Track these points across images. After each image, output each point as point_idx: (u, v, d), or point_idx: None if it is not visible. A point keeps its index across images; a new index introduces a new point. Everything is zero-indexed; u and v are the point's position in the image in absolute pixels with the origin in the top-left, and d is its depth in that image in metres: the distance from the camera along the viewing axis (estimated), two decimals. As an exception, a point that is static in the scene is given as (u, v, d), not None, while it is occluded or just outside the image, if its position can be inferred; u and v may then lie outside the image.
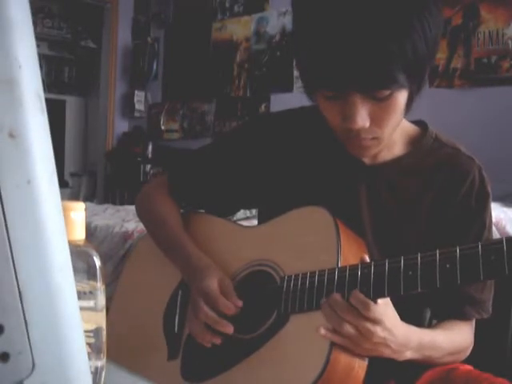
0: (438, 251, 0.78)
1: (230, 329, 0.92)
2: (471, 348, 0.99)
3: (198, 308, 0.95)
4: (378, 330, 0.79)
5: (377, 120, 0.85)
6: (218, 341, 0.93)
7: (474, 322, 0.99)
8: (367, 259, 0.85)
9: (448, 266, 0.76)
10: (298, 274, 0.90)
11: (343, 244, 0.89)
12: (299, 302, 0.88)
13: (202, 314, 0.94)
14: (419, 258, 0.79)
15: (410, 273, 0.79)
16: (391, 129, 0.89)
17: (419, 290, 0.78)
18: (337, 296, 0.82)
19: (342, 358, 0.82)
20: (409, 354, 0.85)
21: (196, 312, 0.95)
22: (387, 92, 0.82)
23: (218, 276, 0.97)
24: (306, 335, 0.87)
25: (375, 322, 0.79)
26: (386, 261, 0.82)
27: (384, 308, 0.81)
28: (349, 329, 0.80)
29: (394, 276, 0.80)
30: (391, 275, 0.80)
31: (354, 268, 0.84)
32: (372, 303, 0.79)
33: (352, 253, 0.89)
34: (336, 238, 0.89)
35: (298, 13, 0.89)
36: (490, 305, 0.99)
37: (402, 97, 0.85)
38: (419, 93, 0.89)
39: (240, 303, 0.94)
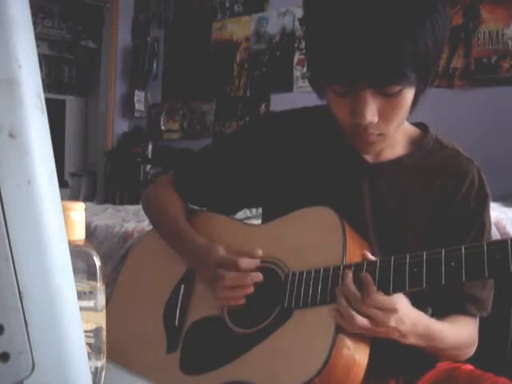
0: (443, 250, 0.80)
1: (260, 277, 0.93)
2: (475, 347, 1.00)
3: (221, 276, 0.94)
4: (392, 320, 0.81)
5: (384, 116, 0.87)
6: (250, 290, 0.94)
7: (477, 320, 1.00)
8: (368, 255, 0.86)
9: (453, 263, 0.78)
10: (303, 271, 0.91)
11: (349, 244, 0.89)
12: (303, 297, 0.89)
13: (230, 278, 0.93)
14: (424, 256, 0.81)
15: (416, 270, 0.81)
16: (396, 126, 0.92)
17: (424, 286, 0.80)
18: (349, 283, 0.84)
19: (344, 354, 0.83)
20: (414, 340, 0.86)
21: (220, 281, 0.94)
22: (397, 88, 0.84)
23: (222, 247, 0.99)
24: (308, 330, 0.87)
25: (388, 311, 0.81)
26: (392, 258, 0.83)
27: (397, 298, 0.82)
28: (363, 321, 0.81)
29: (400, 273, 0.82)
30: (396, 272, 0.82)
31: (359, 265, 0.85)
32: (381, 293, 0.81)
33: (357, 253, 0.89)
34: (342, 239, 0.90)
35: (313, 7, 0.90)
36: (489, 304, 1.00)
37: (409, 95, 0.87)
38: (424, 92, 0.91)
39: (257, 261, 0.95)
